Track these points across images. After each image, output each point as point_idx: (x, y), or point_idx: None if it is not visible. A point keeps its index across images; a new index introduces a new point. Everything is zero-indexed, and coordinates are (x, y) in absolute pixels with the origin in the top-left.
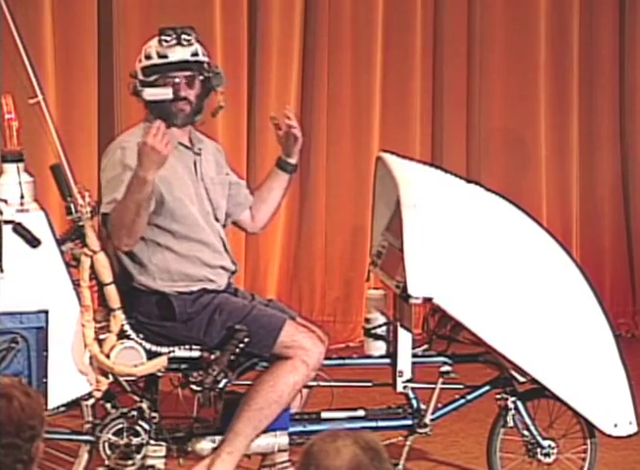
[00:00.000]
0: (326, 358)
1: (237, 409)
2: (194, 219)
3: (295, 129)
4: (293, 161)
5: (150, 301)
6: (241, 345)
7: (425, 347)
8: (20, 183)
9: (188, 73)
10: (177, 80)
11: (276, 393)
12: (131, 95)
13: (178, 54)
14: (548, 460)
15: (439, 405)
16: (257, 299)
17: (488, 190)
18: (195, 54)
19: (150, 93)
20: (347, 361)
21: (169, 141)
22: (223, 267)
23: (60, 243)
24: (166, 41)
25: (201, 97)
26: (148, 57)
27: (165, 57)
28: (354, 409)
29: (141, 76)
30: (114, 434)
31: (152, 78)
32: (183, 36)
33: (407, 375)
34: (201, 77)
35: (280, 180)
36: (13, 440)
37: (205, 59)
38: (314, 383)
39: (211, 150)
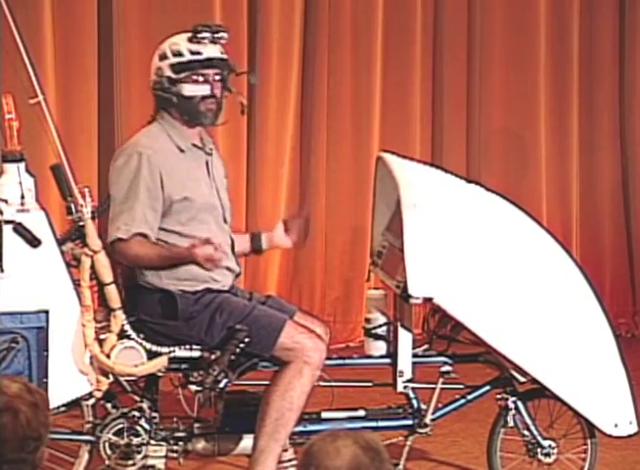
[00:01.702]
0: (326, 358)
1: (255, 429)
2: (204, 220)
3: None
4: (265, 247)
5: (153, 299)
6: (241, 345)
7: (425, 347)
8: (20, 183)
9: (219, 71)
10: (209, 78)
11: (286, 400)
12: (155, 91)
13: (210, 51)
14: (548, 460)
15: (440, 405)
16: (255, 295)
17: (488, 190)
18: (223, 52)
19: (191, 90)
20: (348, 361)
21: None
22: (229, 268)
23: (60, 243)
24: (202, 38)
25: (222, 96)
26: (177, 54)
27: (198, 53)
28: (354, 409)
29: (169, 73)
30: (115, 434)
31: (182, 75)
32: (216, 34)
33: (407, 375)
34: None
35: (244, 246)
36: (17, 455)
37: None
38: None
39: (216, 152)
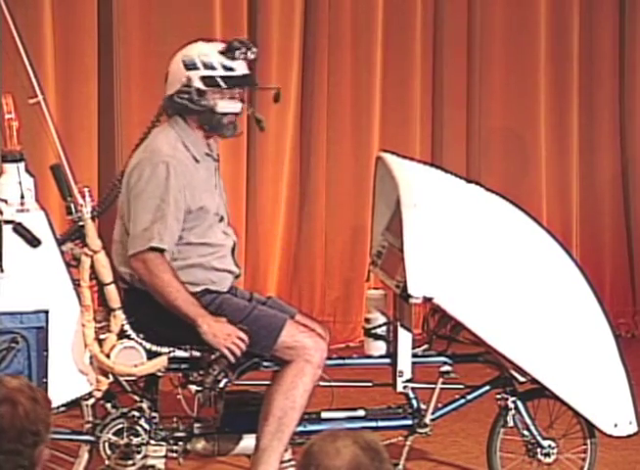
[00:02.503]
0: (326, 358)
1: (257, 428)
2: (211, 227)
3: None
4: None
5: (153, 299)
6: None
7: (425, 347)
8: (20, 183)
9: (246, 88)
10: (239, 95)
11: (289, 399)
12: (179, 99)
13: (241, 68)
14: (548, 460)
15: (439, 405)
16: (256, 296)
17: (488, 190)
18: (249, 68)
19: (224, 106)
20: (347, 361)
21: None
22: (229, 271)
23: (60, 243)
24: (237, 55)
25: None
26: (209, 66)
27: (231, 70)
28: (354, 409)
29: (200, 85)
30: (115, 434)
31: (213, 89)
32: (250, 53)
33: (407, 375)
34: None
35: None
36: (14, 445)
37: None
38: None
39: None
